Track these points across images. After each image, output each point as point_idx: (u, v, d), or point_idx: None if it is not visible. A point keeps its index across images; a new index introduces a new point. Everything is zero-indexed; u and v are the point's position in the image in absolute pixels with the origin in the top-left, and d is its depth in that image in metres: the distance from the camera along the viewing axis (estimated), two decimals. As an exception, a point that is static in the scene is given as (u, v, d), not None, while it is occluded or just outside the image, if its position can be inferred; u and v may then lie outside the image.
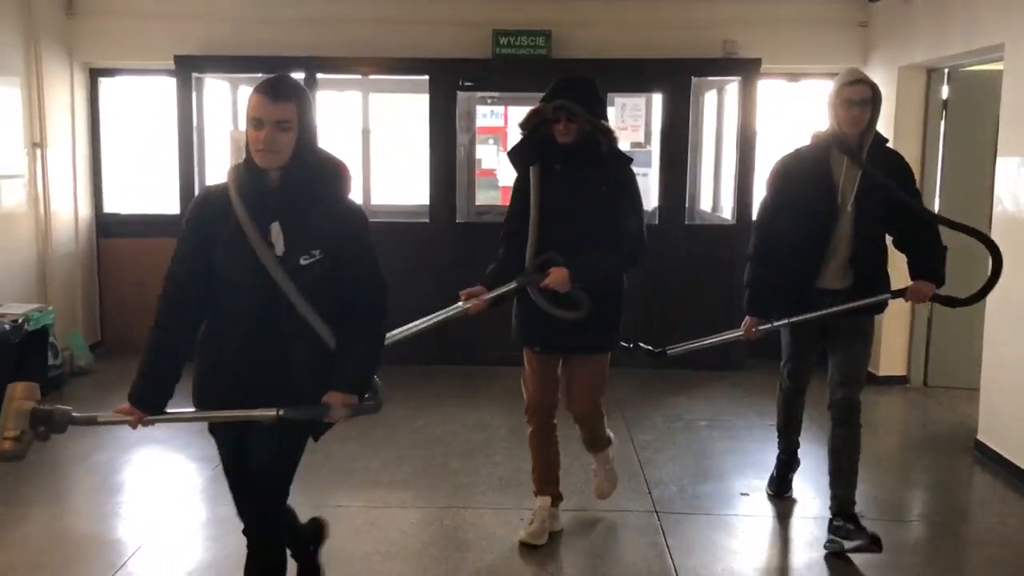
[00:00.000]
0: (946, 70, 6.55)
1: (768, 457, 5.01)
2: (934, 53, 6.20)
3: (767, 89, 7.64)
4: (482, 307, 3.81)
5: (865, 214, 3.93)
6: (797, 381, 4.46)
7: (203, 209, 2.87)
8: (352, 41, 7.23)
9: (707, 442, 5.65)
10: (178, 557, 4.10)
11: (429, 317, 3.74)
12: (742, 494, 4.83)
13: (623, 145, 7.38)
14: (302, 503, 3.42)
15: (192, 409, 2.89)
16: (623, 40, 7.18)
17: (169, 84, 7.54)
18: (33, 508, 4.58)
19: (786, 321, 4.10)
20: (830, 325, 4.13)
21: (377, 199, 8.34)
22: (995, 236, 5.30)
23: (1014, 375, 5.14)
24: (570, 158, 3.87)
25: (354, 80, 8.13)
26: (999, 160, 5.42)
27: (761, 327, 4.15)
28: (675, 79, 7.21)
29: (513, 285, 3.81)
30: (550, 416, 4.19)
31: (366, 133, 8.22)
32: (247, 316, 2.81)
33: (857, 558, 4.02)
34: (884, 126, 6.77)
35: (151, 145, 8.45)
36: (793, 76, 7.77)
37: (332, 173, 2.88)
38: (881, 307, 4.16)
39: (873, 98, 3.90)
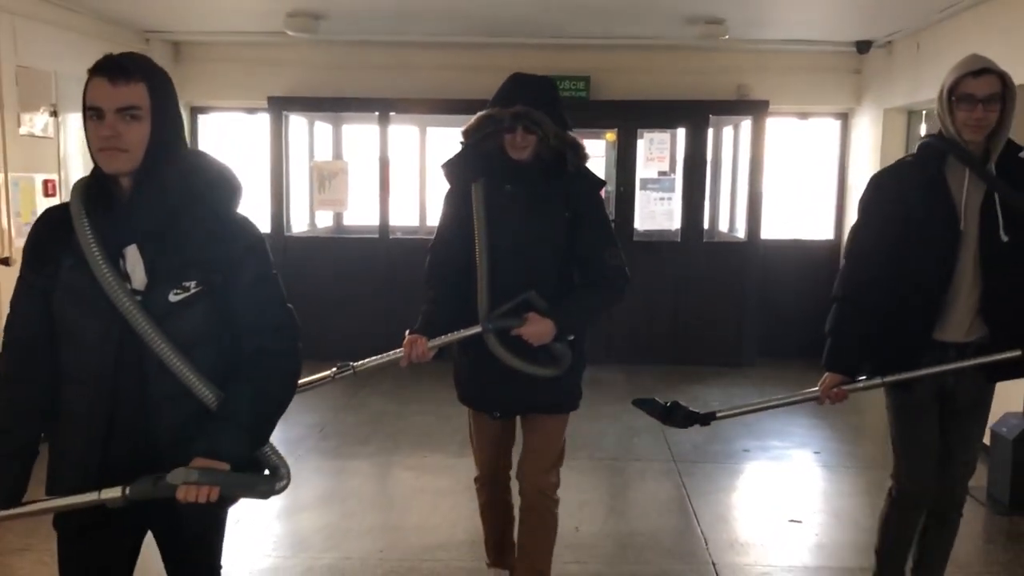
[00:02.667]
0: (924, 111, 7.70)
1: (768, 427, 6.15)
2: (911, 98, 7.36)
3: (777, 126, 8.82)
4: (425, 357, 3.12)
5: (996, 244, 3.00)
6: (918, 483, 3.28)
7: (39, 236, 2.20)
8: (417, 86, 8.44)
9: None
10: (248, 562, 4.42)
11: (366, 361, 3.16)
12: (744, 450, 5.97)
13: (648, 172, 8.72)
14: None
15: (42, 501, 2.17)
16: (651, 84, 8.35)
17: (254, 120, 8.86)
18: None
19: (881, 380, 3.09)
20: (948, 395, 3.18)
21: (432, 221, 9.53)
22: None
23: None
24: (525, 177, 3.17)
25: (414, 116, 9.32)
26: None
27: (847, 387, 3.11)
28: (695, 117, 8.38)
29: (475, 331, 3.11)
30: (507, 485, 3.59)
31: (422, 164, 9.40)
32: (96, 380, 2.11)
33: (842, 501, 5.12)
34: (870, 161, 8.01)
35: (240, 170, 9.72)
36: (803, 115, 8.93)
37: (211, 178, 2.21)
38: (1020, 368, 3.07)
39: (1004, 92, 2.97)
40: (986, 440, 5.21)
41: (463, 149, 3.27)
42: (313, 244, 8.90)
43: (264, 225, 8.62)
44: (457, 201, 3.28)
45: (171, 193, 2.12)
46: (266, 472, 2.24)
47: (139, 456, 2.11)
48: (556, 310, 3.11)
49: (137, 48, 7.85)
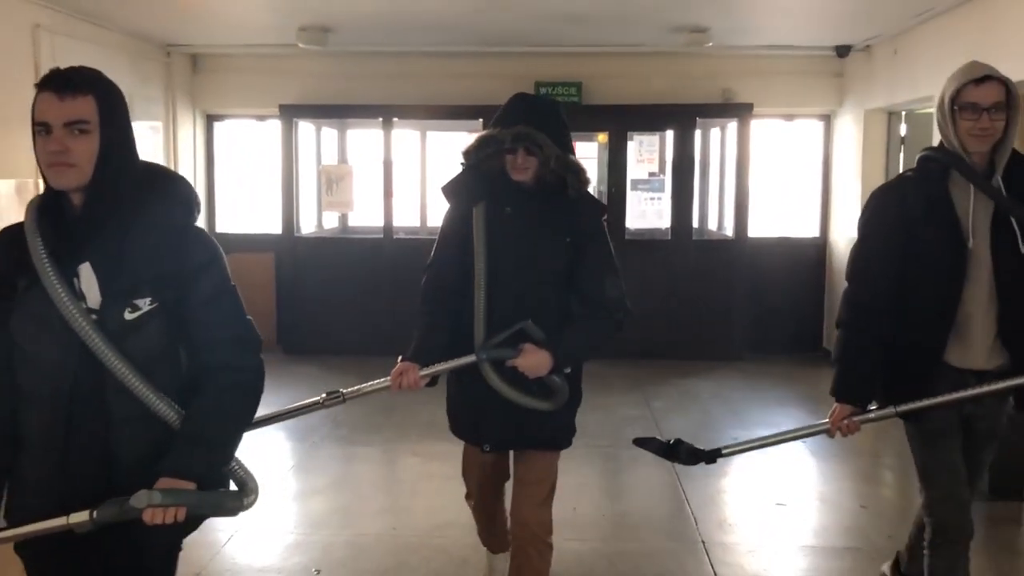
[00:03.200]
0: (903, 112, 8.09)
1: (757, 417, 6.55)
2: (890, 99, 7.74)
3: (762, 127, 9.21)
4: (417, 385, 3.02)
5: (1006, 262, 2.86)
6: (954, 512, 3.02)
7: None
8: (418, 92, 8.82)
9: (708, 408, 7.17)
10: (273, 539, 4.60)
11: (356, 388, 3.02)
12: (732, 439, 6.35)
13: (638, 173, 9.11)
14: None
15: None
16: (640, 89, 8.72)
17: (265, 127, 9.26)
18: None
19: (894, 410, 2.90)
20: (968, 423, 3.03)
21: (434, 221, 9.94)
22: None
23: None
24: (526, 200, 3.10)
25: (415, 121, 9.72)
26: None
27: (858, 418, 2.95)
28: (683, 120, 8.77)
29: (469, 360, 3.02)
30: (498, 497, 3.67)
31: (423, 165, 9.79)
32: (53, 403, 2.07)
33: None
34: (853, 161, 8.40)
35: (251, 174, 10.11)
36: (788, 116, 9.32)
37: (164, 191, 2.17)
38: None
39: (1008, 101, 2.83)
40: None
41: (463, 170, 3.20)
42: (321, 244, 9.29)
43: (276, 226, 9.08)
44: (457, 222, 3.17)
45: (123, 208, 2.08)
46: (233, 487, 2.22)
47: (102, 479, 2.08)
48: (553, 342, 3.00)
49: (157, 60, 8.27)
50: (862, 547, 4.58)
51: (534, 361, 2.99)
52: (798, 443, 6.29)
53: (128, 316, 2.04)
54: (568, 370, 3.10)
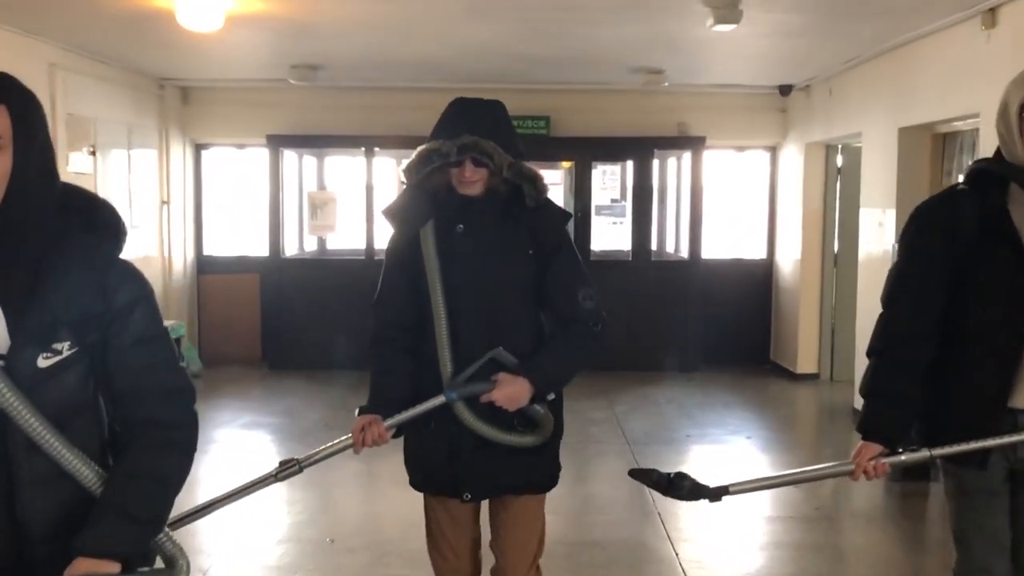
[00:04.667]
0: (839, 145, 8.93)
1: (708, 417, 7.29)
2: (827, 134, 8.59)
3: (715, 158, 10.03)
4: (384, 439, 2.74)
5: None
6: None
7: None
8: (398, 123, 9.47)
9: (665, 411, 7.90)
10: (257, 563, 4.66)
11: (314, 453, 2.79)
12: (687, 435, 7.09)
13: (602, 199, 9.88)
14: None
15: None
16: (603, 122, 9.46)
17: (245, 154, 9.91)
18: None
19: (929, 453, 2.58)
20: (1018, 475, 2.63)
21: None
22: (861, 264, 7.71)
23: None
24: (479, 215, 2.79)
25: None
26: (862, 210, 7.76)
27: (887, 460, 2.60)
28: (642, 151, 9.56)
29: (438, 401, 2.71)
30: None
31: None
32: None
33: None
34: (796, 189, 9.22)
35: (237, 200, 10.74)
36: (739, 148, 10.14)
37: (88, 219, 1.85)
38: None
39: None
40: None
41: (406, 190, 2.85)
42: (305, 265, 9.92)
43: (260, 248, 9.69)
44: (403, 249, 2.83)
45: (39, 238, 1.76)
46: (160, 564, 1.92)
47: (10, 554, 1.78)
48: (530, 367, 2.71)
49: (151, 92, 8.90)
50: (793, 515, 5.39)
51: (511, 391, 2.69)
52: (744, 441, 7.08)
53: (42, 363, 1.74)
54: (551, 396, 2.80)
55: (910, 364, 2.62)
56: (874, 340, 2.72)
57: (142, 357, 1.88)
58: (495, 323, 2.78)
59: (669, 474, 2.75)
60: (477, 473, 2.81)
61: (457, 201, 2.80)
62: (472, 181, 2.76)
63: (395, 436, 2.80)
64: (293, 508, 5.32)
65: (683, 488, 2.72)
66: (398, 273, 2.87)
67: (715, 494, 2.72)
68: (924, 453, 2.59)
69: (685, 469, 5.81)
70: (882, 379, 2.66)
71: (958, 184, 2.75)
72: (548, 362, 2.78)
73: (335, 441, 2.78)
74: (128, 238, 1.91)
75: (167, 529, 1.94)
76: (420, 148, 2.79)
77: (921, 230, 2.69)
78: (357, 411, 2.80)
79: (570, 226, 3.31)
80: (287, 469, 2.75)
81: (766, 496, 5.71)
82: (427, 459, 2.87)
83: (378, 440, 2.73)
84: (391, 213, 2.91)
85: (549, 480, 2.93)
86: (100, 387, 1.90)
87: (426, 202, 2.81)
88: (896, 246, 6.19)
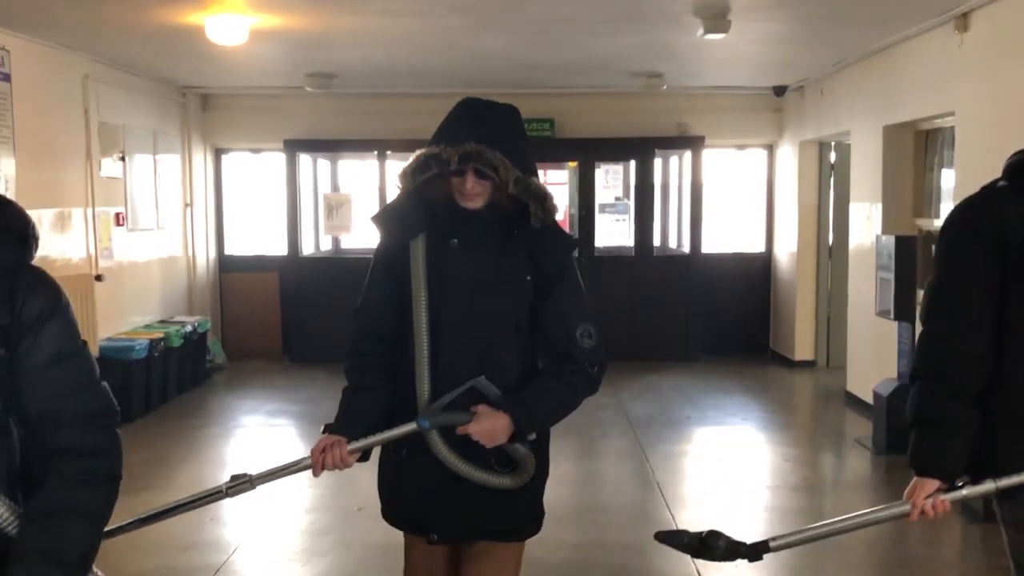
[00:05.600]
0: (832, 143, 9.33)
1: (707, 400, 7.72)
2: (819, 132, 9.00)
3: (715, 156, 10.45)
4: (346, 463, 2.48)
5: None
6: None
7: None
8: (409, 127, 9.87)
9: (667, 396, 8.32)
10: (280, 550, 4.85)
11: (268, 471, 2.54)
12: (687, 417, 7.52)
13: (605, 198, 10.33)
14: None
15: None
16: (606, 123, 9.89)
17: (267, 158, 10.37)
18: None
19: (994, 484, 2.30)
20: None
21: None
22: (851, 256, 8.12)
23: (861, 354, 7.82)
24: (478, 231, 2.55)
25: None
26: (852, 204, 8.17)
27: (946, 496, 2.35)
28: (644, 151, 10.00)
29: (409, 428, 2.48)
30: None
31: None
32: None
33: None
34: (791, 185, 9.63)
35: (255, 202, 11.18)
36: (739, 146, 10.57)
37: None
38: None
39: None
40: (869, 400, 6.81)
41: (400, 196, 2.58)
42: (322, 263, 10.38)
43: (278, 248, 10.15)
44: (391, 260, 2.58)
45: None
46: None
47: None
48: (513, 402, 2.45)
49: (174, 100, 9.36)
50: (781, 485, 5.80)
51: (490, 426, 2.43)
52: (739, 422, 7.49)
53: None
54: (532, 437, 2.51)
55: (962, 387, 2.33)
56: (917, 361, 2.44)
57: (58, 377, 1.72)
58: (481, 348, 2.52)
59: (700, 534, 2.43)
60: (446, 512, 2.55)
61: (455, 213, 2.55)
62: (474, 194, 2.51)
63: (361, 460, 2.55)
64: (320, 481, 5.72)
65: (717, 548, 2.41)
66: (383, 283, 2.62)
67: (754, 552, 2.42)
68: (989, 485, 2.31)
69: (683, 445, 6.27)
70: (931, 405, 2.37)
71: (997, 181, 2.45)
72: (534, 400, 2.49)
73: (294, 460, 2.53)
74: (39, 243, 1.76)
75: (95, 569, 1.81)
76: (419, 152, 2.52)
77: (962, 236, 2.41)
78: (323, 428, 2.55)
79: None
80: (238, 484, 2.52)
81: (757, 468, 6.14)
82: (397, 493, 2.65)
83: (339, 464, 2.47)
84: (381, 219, 2.65)
85: (528, 526, 2.64)
86: (10, 411, 1.71)
87: (421, 211, 2.56)
88: (880, 237, 6.70)
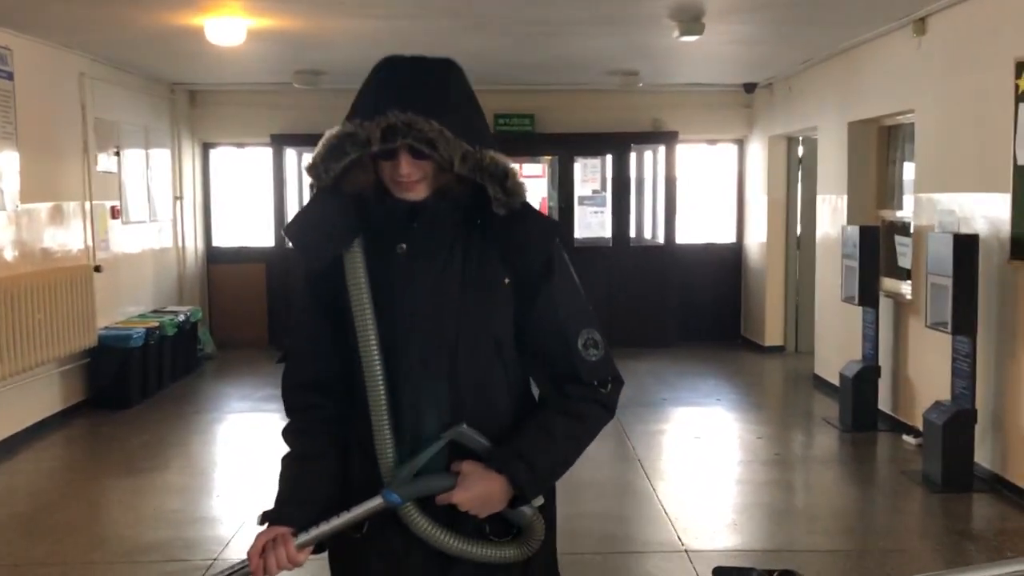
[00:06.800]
0: (800, 138, 9.74)
1: (681, 382, 8.11)
2: (787, 127, 9.40)
3: (688, 151, 10.84)
4: (296, 562, 1.86)
5: None
6: None
7: None
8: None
9: (644, 380, 8.67)
10: None
11: None
12: (663, 399, 7.90)
13: (584, 191, 10.75)
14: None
15: None
16: (584, 119, 10.23)
17: (254, 152, 10.64)
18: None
19: None
20: None
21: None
22: (818, 246, 8.54)
23: (828, 338, 8.24)
24: (427, 229, 1.91)
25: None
26: (819, 196, 8.59)
27: None
28: (620, 145, 10.37)
29: (374, 505, 1.86)
30: None
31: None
32: None
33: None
34: (761, 178, 10.05)
35: (242, 195, 11.43)
36: (710, 141, 10.96)
37: None
38: None
39: None
40: (836, 382, 7.22)
41: (316, 196, 1.94)
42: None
43: (264, 239, 10.42)
44: (319, 283, 1.95)
45: None
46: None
47: None
48: (508, 455, 1.86)
49: (164, 97, 9.59)
50: (753, 459, 6.19)
51: (481, 492, 1.85)
52: (712, 402, 7.88)
53: None
54: (539, 502, 1.93)
55: None
56: None
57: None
58: (457, 385, 1.88)
59: (771, 572, 1.80)
60: None
61: (395, 210, 1.89)
62: (412, 181, 1.85)
63: (316, 552, 1.92)
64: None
65: None
66: (314, 315, 1.97)
67: None
68: None
69: (660, 424, 6.69)
70: None
71: None
72: (534, 447, 1.88)
73: (228, 568, 1.89)
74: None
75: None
76: (329, 133, 1.88)
77: None
78: (259, 518, 1.92)
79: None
80: None
81: (730, 445, 6.53)
82: (356, 573, 1.98)
83: (286, 565, 1.85)
84: (297, 231, 1.94)
85: None
86: None
87: (350, 211, 1.90)
88: (845, 227, 7.11)
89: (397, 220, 1.91)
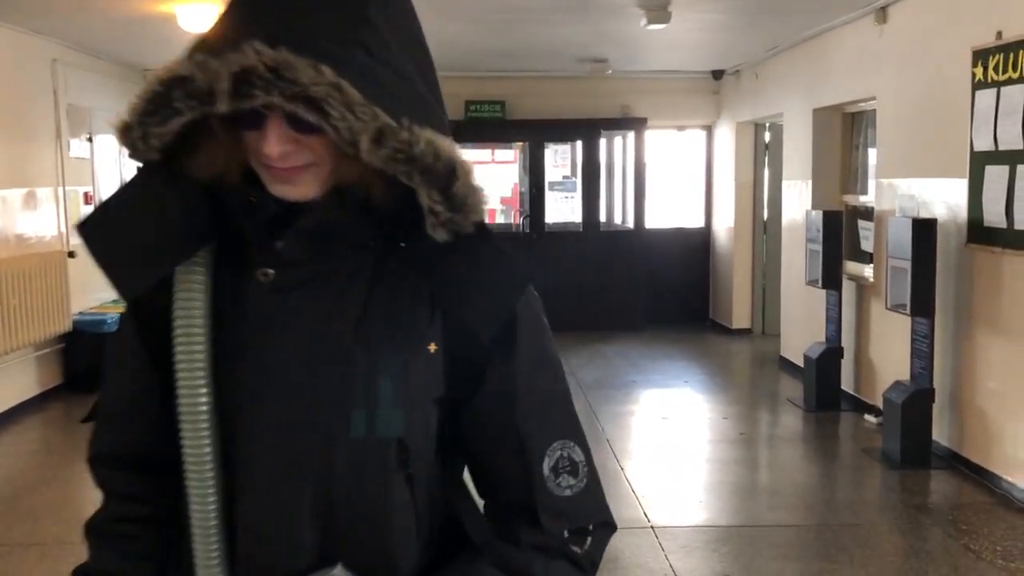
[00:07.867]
0: (767, 124, 9.90)
1: (651, 365, 8.28)
2: (754, 114, 9.56)
3: (657, 137, 10.99)
4: None
5: None
6: None
7: None
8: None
9: (614, 362, 8.85)
10: None
11: None
12: (632, 381, 8.06)
13: (554, 176, 10.89)
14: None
15: None
16: (554, 106, 10.34)
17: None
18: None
19: None
20: None
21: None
22: (784, 230, 8.72)
23: (793, 321, 8.43)
24: (312, 248, 1.15)
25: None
26: (784, 181, 8.76)
27: None
28: (589, 132, 10.49)
29: None
30: None
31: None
32: None
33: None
34: (729, 163, 10.22)
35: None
36: (678, 127, 11.10)
37: None
38: None
39: None
40: (800, 363, 7.40)
41: (134, 180, 1.19)
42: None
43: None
44: (148, 312, 1.20)
45: None
46: None
47: None
48: None
49: (135, 82, 9.58)
50: (720, 439, 6.35)
51: None
52: (680, 384, 8.05)
53: None
54: None
55: None
56: None
57: None
58: (328, 504, 1.16)
59: None
60: None
61: (263, 210, 1.15)
62: (288, 168, 1.10)
63: None
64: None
65: None
66: (138, 361, 1.25)
67: None
68: None
69: (630, 406, 6.84)
70: None
71: None
72: None
73: None
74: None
75: None
76: (152, 76, 1.15)
77: None
78: None
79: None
80: None
81: (698, 425, 6.70)
82: None
83: None
84: (97, 236, 1.17)
85: None
86: None
87: (193, 204, 1.16)
88: (810, 212, 7.28)
89: (266, 229, 1.15)
